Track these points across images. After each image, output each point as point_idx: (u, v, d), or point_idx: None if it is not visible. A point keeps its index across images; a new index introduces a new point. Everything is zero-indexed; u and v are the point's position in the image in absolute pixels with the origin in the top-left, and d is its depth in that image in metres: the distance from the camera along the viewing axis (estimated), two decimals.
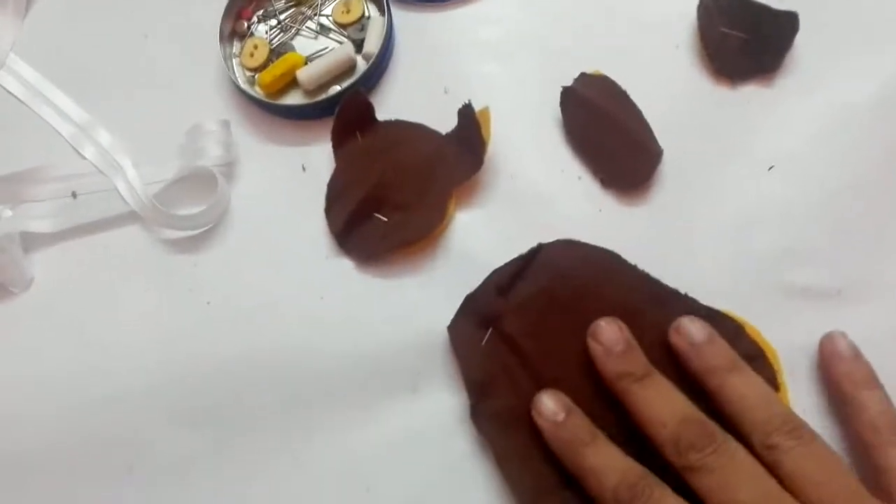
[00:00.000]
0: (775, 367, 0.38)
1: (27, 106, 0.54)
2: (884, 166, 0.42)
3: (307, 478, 0.41)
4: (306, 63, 0.49)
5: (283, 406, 0.43)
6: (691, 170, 0.44)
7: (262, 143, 0.50)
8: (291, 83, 0.49)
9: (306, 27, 0.52)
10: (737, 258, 0.42)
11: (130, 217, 0.49)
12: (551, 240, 0.42)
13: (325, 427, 0.42)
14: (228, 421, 0.43)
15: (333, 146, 0.47)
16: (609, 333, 0.38)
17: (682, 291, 0.40)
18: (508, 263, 0.42)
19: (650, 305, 0.40)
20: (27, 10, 0.57)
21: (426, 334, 0.42)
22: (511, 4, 0.51)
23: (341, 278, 0.45)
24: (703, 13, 0.46)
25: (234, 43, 0.52)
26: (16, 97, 0.54)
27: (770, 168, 0.43)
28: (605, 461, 0.35)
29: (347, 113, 0.47)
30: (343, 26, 0.51)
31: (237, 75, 0.50)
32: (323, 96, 0.48)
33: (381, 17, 0.50)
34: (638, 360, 0.37)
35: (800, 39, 0.45)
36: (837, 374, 0.37)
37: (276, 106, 0.49)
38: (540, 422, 0.37)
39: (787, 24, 0.45)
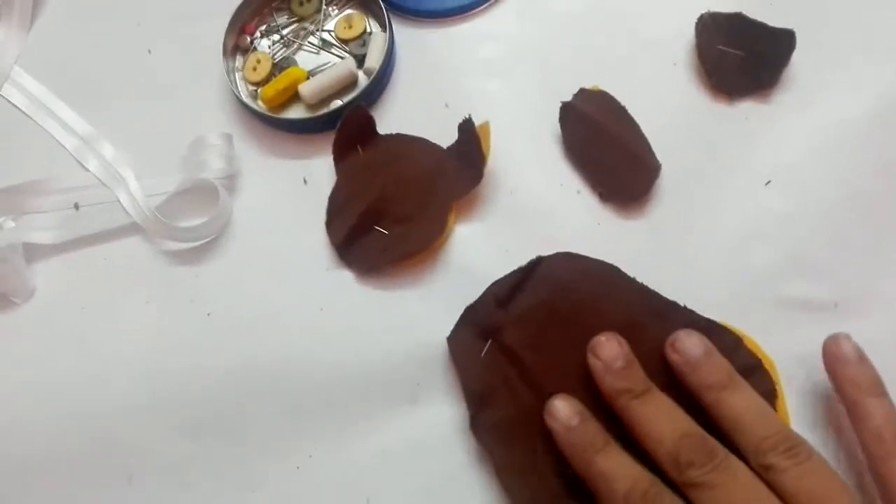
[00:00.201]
0: (774, 379, 0.38)
1: (31, 118, 0.54)
2: (880, 181, 0.43)
3: (307, 488, 0.41)
4: (308, 78, 0.50)
5: (283, 416, 0.43)
6: (689, 184, 0.44)
7: (264, 156, 0.50)
8: (293, 97, 0.50)
9: (309, 42, 0.52)
10: (735, 271, 0.42)
11: (132, 229, 0.49)
12: (551, 253, 0.42)
13: (325, 437, 0.42)
14: (229, 431, 0.43)
15: (335, 160, 0.48)
16: (609, 349, 0.37)
17: (682, 304, 0.40)
18: (508, 275, 0.42)
19: (649, 318, 0.40)
20: (32, 23, 0.58)
21: (426, 346, 0.43)
22: (511, 21, 0.51)
23: (342, 290, 0.45)
24: (702, 30, 0.47)
25: (238, 57, 0.53)
26: (20, 109, 0.54)
27: (767, 183, 0.44)
28: (617, 467, 0.35)
29: (349, 127, 0.47)
30: (345, 42, 0.51)
31: (240, 89, 0.51)
32: (325, 110, 0.49)
33: (382, 33, 0.50)
34: (637, 377, 0.37)
35: (797, 56, 0.45)
36: (842, 378, 0.37)
37: (279, 120, 0.49)
38: (553, 425, 0.37)
39: (784, 41, 0.45)
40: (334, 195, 0.47)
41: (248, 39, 0.52)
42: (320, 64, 0.51)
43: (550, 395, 0.38)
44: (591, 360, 0.38)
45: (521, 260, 0.42)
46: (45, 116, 0.54)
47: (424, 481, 0.41)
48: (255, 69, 0.51)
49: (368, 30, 0.51)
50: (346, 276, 0.45)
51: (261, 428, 0.43)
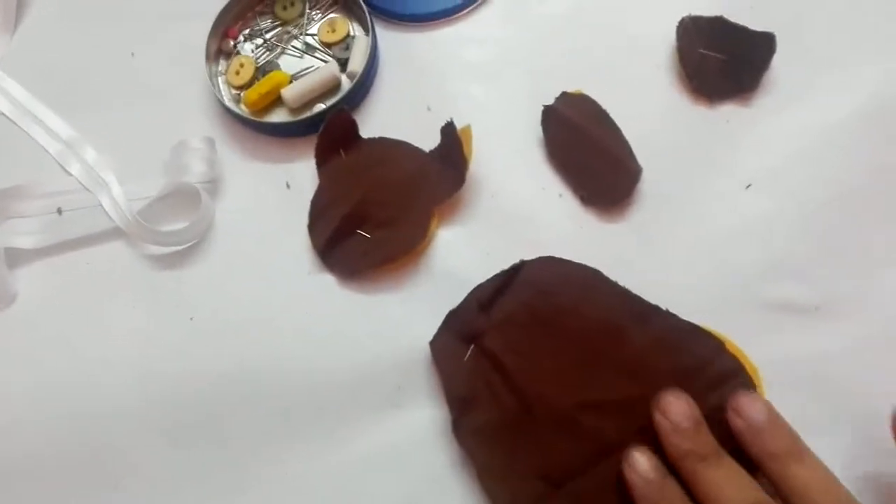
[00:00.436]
0: (755, 383, 0.38)
1: (14, 123, 0.54)
2: (860, 183, 0.43)
3: (290, 491, 0.41)
4: (291, 81, 0.50)
5: (266, 421, 0.43)
6: (670, 187, 0.45)
7: (247, 160, 0.50)
8: (276, 101, 0.50)
9: (292, 46, 0.52)
10: (716, 274, 0.42)
11: (115, 233, 0.49)
12: (533, 257, 0.42)
13: (307, 441, 0.42)
14: (213, 435, 0.43)
15: (317, 163, 0.48)
16: (677, 408, 0.36)
17: (663, 307, 0.40)
18: (490, 280, 0.42)
19: (631, 322, 0.40)
20: (15, 27, 0.58)
21: (408, 350, 0.43)
22: (494, 25, 0.51)
23: (324, 294, 0.45)
24: (683, 34, 0.47)
25: (221, 61, 0.52)
26: (2, 114, 0.54)
27: (748, 186, 0.44)
28: None
29: (331, 131, 0.47)
30: (328, 45, 0.51)
31: (223, 93, 0.51)
32: (307, 114, 0.49)
33: (365, 37, 0.50)
34: (706, 439, 0.35)
35: (777, 60, 0.46)
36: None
37: (261, 123, 0.49)
38: (632, 476, 0.35)
39: (764, 45, 0.45)
40: (317, 199, 0.47)
41: (232, 43, 0.52)
42: (303, 68, 0.51)
43: (532, 398, 0.38)
44: (658, 419, 0.36)
45: (504, 264, 0.42)
46: (28, 121, 0.54)
47: (406, 485, 0.41)
48: (238, 73, 0.51)
49: (352, 34, 0.51)
50: (329, 280, 0.45)
51: (244, 432, 0.43)
